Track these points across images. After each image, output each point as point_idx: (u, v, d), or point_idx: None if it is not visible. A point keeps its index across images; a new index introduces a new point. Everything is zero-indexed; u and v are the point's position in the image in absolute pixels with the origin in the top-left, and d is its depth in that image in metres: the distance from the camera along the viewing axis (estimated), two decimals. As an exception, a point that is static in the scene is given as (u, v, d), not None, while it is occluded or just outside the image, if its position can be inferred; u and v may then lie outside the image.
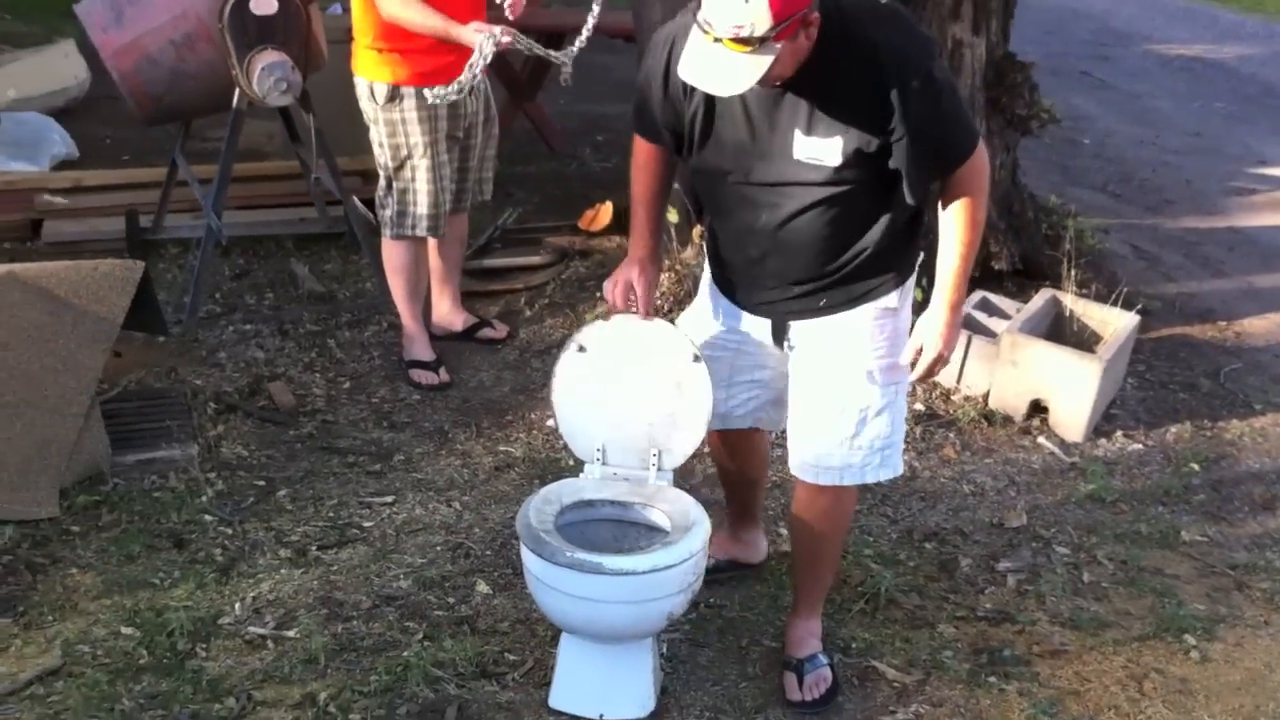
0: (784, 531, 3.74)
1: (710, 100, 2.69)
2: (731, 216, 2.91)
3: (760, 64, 2.46)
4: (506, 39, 4.18)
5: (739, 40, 2.42)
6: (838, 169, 2.66)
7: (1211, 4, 15.11)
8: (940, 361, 2.82)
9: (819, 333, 2.92)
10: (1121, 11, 14.20)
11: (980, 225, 2.77)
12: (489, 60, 4.21)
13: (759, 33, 2.41)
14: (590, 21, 4.33)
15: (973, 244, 2.76)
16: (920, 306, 2.90)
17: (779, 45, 2.45)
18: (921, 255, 2.99)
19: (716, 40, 2.45)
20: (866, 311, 2.89)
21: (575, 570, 2.78)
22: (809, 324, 2.94)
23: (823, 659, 3.14)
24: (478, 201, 4.86)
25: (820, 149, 2.65)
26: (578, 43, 4.33)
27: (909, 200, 2.74)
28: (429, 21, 4.26)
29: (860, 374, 2.91)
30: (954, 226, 2.75)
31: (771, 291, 2.95)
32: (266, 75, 4.68)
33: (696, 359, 3.08)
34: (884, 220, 2.79)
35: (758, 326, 3.03)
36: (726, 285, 3.06)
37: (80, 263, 4.00)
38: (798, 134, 2.66)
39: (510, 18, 4.29)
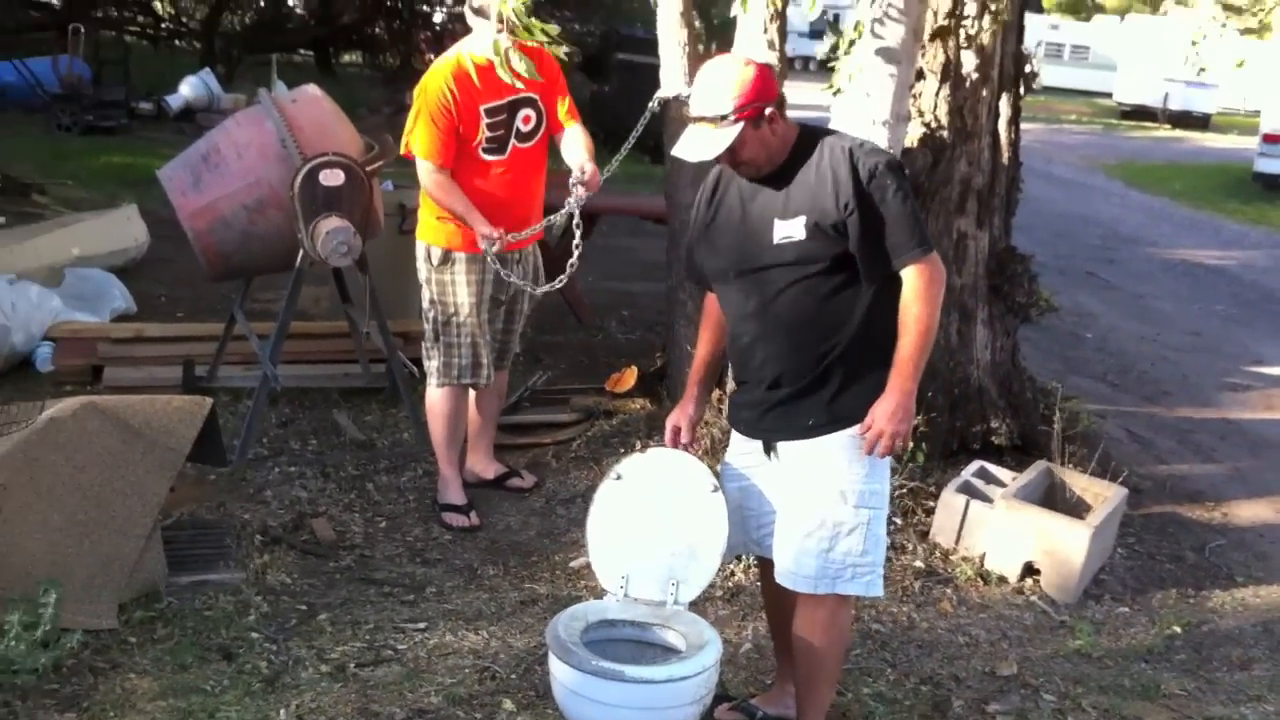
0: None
1: (714, 206, 3.39)
2: (729, 308, 3.43)
3: (725, 136, 3.17)
4: (499, 245, 4.64)
5: (708, 119, 3.18)
6: (802, 242, 3.17)
7: (1217, 214, 15.76)
8: (890, 436, 3.16)
9: (803, 453, 3.30)
10: (1129, 219, 14.85)
11: (927, 330, 3.17)
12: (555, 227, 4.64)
13: (722, 112, 3.15)
14: (574, 202, 4.72)
15: (919, 345, 3.16)
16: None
17: (740, 124, 3.15)
18: None
19: (695, 120, 3.22)
20: (843, 437, 3.25)
21: (599, 677, 3.08)
22: (794, 445, 3.31)
23: None
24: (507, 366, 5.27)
25: (790, 228, 3.21)
26: (570, 204, 4.70)
27: (864, 282, 3.18)
28: (453, 205, 4.75)
29: (835, 494, 3.26)
30: (905, 324, 3.17)
31: (766, 393, 3.34)
32: (331, 239, 5.12)
33: (715, 490, 3.44)
34: (856, 318, 3.21)
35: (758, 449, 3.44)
36: (735, 412, 3.48)
37: (155, 396, 4.38)
38: (776, 221, 3.24)
39: (583, 191, 4.70)
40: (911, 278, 3.17)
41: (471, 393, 5.14)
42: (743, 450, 3.50)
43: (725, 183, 3.38)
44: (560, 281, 4.85)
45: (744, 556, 4.64)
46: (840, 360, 3.24)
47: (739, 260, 3.32)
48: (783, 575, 3.34)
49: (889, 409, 3.17)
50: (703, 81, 3.25)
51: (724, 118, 3.16)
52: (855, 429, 3.22)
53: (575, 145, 4.86)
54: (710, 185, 3.43)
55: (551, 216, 4.88)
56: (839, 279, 3.21)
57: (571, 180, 4.70)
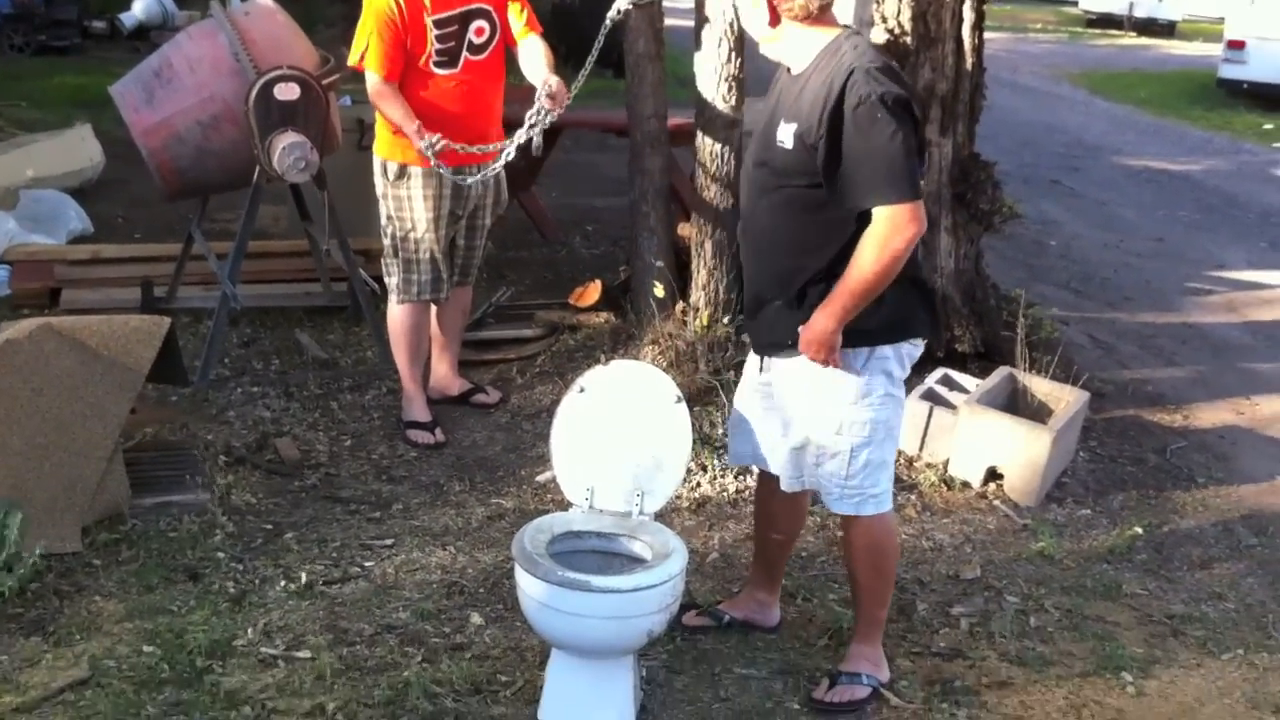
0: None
1: (768, 97, 3.39)
2: (741, 197, 3.47)
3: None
4: (438, 147, 4.50)
5: None
6: (789, 151, 3.15)
7: (1182, 122, 15.75)
8: (808, 353, 3.21)
9: (785, 370, 3.35)
10: (1094, 127, 14.81)
11: (870, 277, 3.08)
12: (510, 156, 4.50)
13: None
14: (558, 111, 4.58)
15: (856, 288, 3.10)
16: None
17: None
18: (911, 347, 3.33)
19: None
20: (835, 373, 3.24)
21: (565, 588, 3.08)
22: (777, 361, 3.35)
23: (865, 679, 3.45)
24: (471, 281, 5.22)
25: (785, 133, 3.18)
26: (535, 120, 4.54)
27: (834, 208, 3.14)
28: (392, 114, 4.67)
29: (815, 418, 3.31)
30: (853, 261, 3.11)
31: (754, 300, 3.38)
32: (287, 154, 5.05)
33: (679, 400, 3.45)
34: (834, 244, 3.16)
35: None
36: (744, 320, 3.55)
37: (112, 317, 4.33)
38: (781, 122, 3.21)
39: (549, 106, 4.46)
40: (875, 221, 3.08)
41: (434, 309, 5.10)
42: (750, 362, 3.54)
43: (779, 75, 3.37)
44: (507, 155, 4.51)
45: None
46: (816, 282, 3.21)
47: (756, 150, 3.36)
48: (784, 483, 3.44)
49: (806, 336, 3.20)
50: None
51: None
52: (844, 358, 3.23)
53: (536, 58, 4.76)
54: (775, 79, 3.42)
55: (519, 135, 4.64)
56: (821, 198, 3.16)
57: (537, 96, 4.57)
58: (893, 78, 3.09)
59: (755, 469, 3.78)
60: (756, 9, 3.25)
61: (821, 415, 3.30)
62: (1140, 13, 29.68)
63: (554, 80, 4.53)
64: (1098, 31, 29.84)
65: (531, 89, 4.62)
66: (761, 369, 3.46)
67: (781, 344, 3.32)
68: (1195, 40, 27.16)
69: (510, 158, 4.49)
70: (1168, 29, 29.69)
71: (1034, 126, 14.08)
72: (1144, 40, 28.10)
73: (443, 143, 4.51)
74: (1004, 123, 13.11)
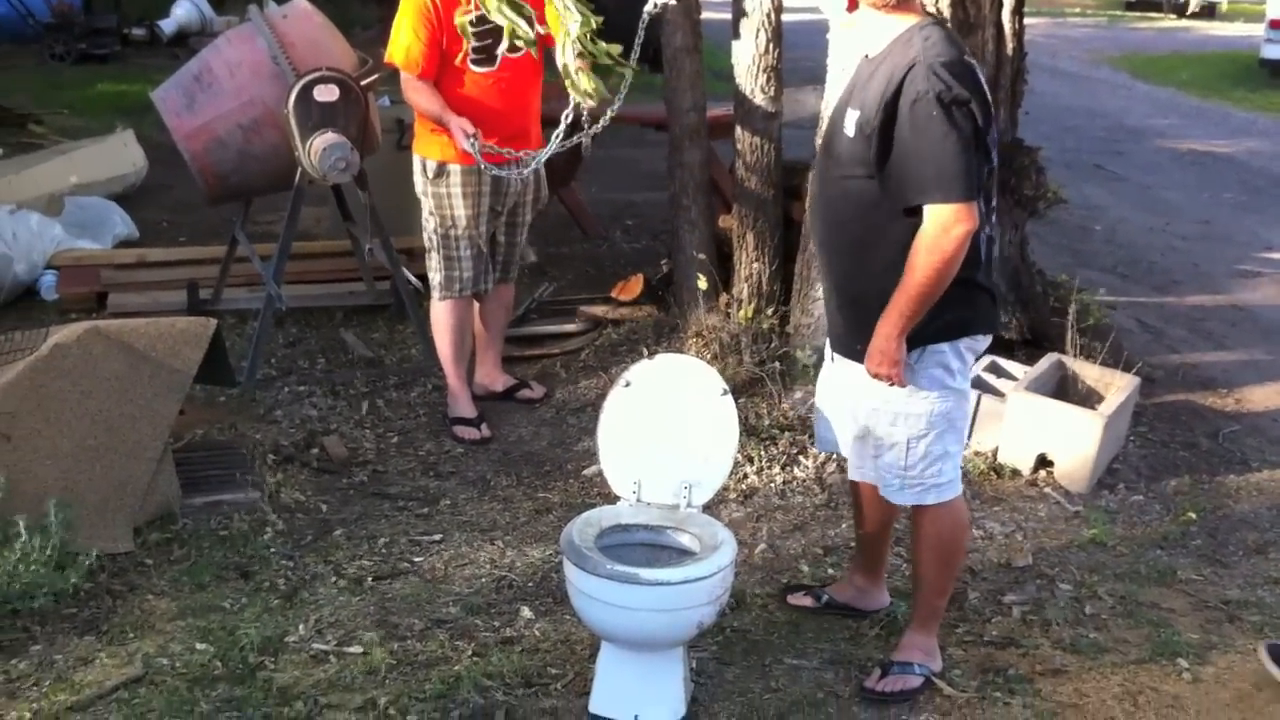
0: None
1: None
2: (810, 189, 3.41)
3: None
4: (476, 143, 4.52)
5: None
6: (851, 139, 3.13)
7: (1224, 103, 15.56)
8: (878, 378, 3.18)
9: (848, 368, 3.36)
10: (1136, 111, 14.67)
11: (924, 283, 3.04)
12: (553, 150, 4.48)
13: None
14: (612, 109, 4.57)
15: (912, 294, 3.06)
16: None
17: None
18: (971, 341, 3.30)
19: None
20: None
21: (614, 581, 3.07)
22: (846, 361, 3.37)
23: (917, 669, 3.43)
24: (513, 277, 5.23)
25: (849, 119, 3.17)
26: (593, 127, 4.56)
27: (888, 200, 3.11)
28: (429, 107, 4.69)
29: (871, 411, 3.31)
30: (907, 267, 3.07)
31: (827, 294, 3.41)
32: (328, 155, 5.07)
33: (724, 393, 3.43)
34: (895, 240, 3.10)
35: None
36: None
37: (159, 319, 4.36)
38: (848, 107, 3.20)
39: (585, 109, 4.37)
40: (925, 222, 3.04)
41: (476, 306, 5.11)
42: (827, 350, 3.55)
43: (859, 60, 3.32)
44: (550, 152, 4.53)
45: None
46: (878, 280, 3.17)
47: (825, 136, 3.34)
48: (850, 472, 3.49)
49: (870, 352, 3.17)
50: None
51: None
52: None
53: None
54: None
55: (558, 134, 4.59)
56: (879, 195, 3.14)
57: (572, 105, 4.54)
58: (957, 74, 3.02)
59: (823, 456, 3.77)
60: None
61: (878, 407, 3.29)
62: (1181, -6, 29.39)
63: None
64: (1137, 14, 29.55)
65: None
66: (832, 358, 3.46)
67: (846, 345, 3.33)
68: (1236, 21, 26.85)
69: (552, 152, 4.48)
70: (1208, 10, 29.36)
71: (1075, 111, 13.95)
72: (1184, 22, 27.81)
73: (482, 142, 4.53)
74: (1045, 108, 12.99)
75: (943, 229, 3.02)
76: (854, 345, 3.28)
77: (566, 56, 4.04)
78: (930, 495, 3.34)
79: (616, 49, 4.08)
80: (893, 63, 3.10)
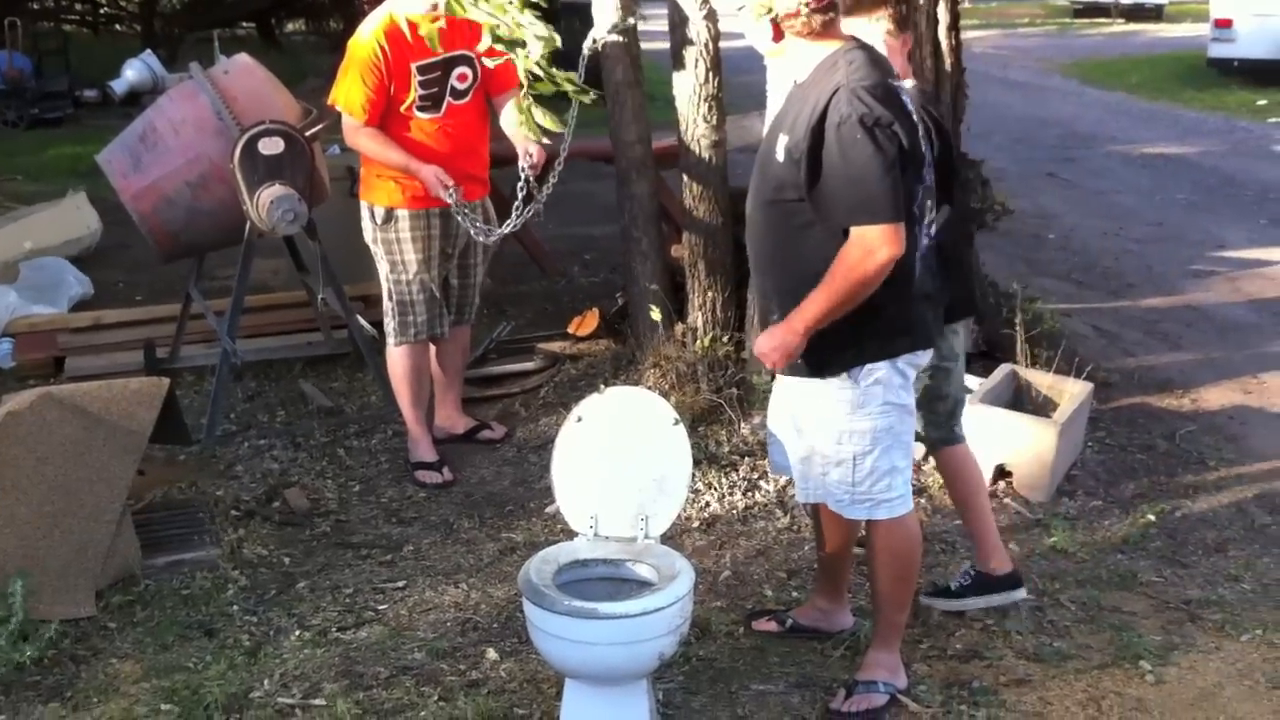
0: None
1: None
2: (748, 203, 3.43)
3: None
4: (450, 197, 4.62)
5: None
6: (780, 164, 3.17)
7: (1174, 104, 15.75)
8: (769, 362, 3.26)
9: (790, 384, 3.39)
10: (1087, 117, 14.82)
11: (837, 294, 3.11)
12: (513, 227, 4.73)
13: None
14: (559, 164, 4.68)
15: (824, 301, 3.12)
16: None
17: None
18: (912, 357, 3.33)
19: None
20: (821, 383, 3.28)
21: (573, 617, 3.08)
22: (790, 381, 3.40)
23: (882, 687, 3.45)
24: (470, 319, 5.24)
25: (780, 144, 3.21)
26: (547, 185, 4.68)
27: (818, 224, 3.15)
28: (392, 157, 4.72)
29: (818, 430, 3.33)
30: (826, 275, 3.12)
31: (761, 311, 3.46)
32: (276, 207, 5.08)
33: (676, 423, 3.45)
34: (824, 262, 3.13)
35: None
36: None
37: (111, 381, 4.36)
38: (779, 132, 3.24)
39: (532, 175, 4.64)
40: (850, 241, 3.09)
41: (434, 349, 5.12)
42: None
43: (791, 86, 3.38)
44: (512, 226, 4.77)
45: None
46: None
47: (758, 160, 3.36)
48: (797, 494, 3.52)
49: (770, 338, 3.23)
50: None
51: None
52: (839, 379, 3.25)
53: (514, 119, 4.77)
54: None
55: (516, 211, 4.71)
56: (810, 214, 3.18)
57: (520, 165, 4.64)
58: (880, 97, 3.08)
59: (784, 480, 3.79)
60: (760, 25, 3.27)
61: (822, 425, 3.32)
62: (1127, -2, 29.76)
63: (534, 147, 4.58)
64: (1085, 21, 29.90)
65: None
66: (777, 378, 3.49)
67: (789, 365, 3.34)
68: (1183, 22, 27.17)
69: (512, 228, 4.63)
70: (1155, 13, 29.74)
71: (1027, 121, 14.09)
72: (1132, 26, 28.15)
73: (454, 190, 4.61)
74: (998, 118, 13.13)
75: (866, 251, 3.07)
76: (795, 362, 3.30)
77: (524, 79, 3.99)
78: (881, 510, 3.36)
79: (573, 75, 4.09)
80: (819, 88, 3.15)
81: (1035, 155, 12.00)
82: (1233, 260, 8.15)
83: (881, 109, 3.05)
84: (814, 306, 3.14)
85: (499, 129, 4.97)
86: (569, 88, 3.87)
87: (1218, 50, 17.31)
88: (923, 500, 4.64)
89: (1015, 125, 13.55)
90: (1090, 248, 8.47)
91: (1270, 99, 15.21)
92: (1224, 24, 17.05)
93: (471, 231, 4.75)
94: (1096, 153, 12.37)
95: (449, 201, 4.64)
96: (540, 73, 3.60)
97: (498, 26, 3.53)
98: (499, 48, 3.52)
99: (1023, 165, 11.25)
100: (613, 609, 3.10)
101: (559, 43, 3.60)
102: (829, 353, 3.25)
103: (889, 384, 3.28)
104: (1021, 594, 3.95)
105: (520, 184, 4.61)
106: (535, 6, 3.65)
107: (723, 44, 5.26)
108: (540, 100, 4.15)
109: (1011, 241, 8.12)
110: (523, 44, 3.50)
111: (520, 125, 3.78)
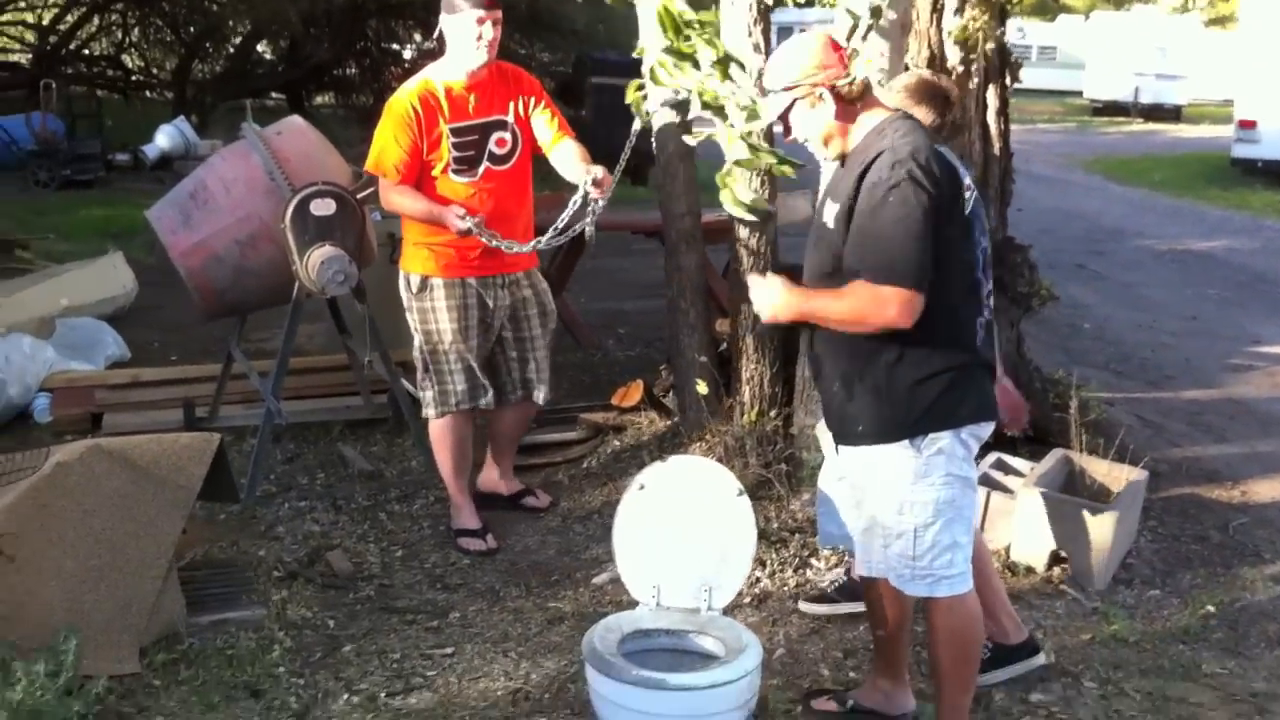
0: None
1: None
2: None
3: (774, 106, 3.30)
4: (469, 225, 4.57)
5: (768, 89, 3.33)
6: (833, 230, 3.19)
7: (1199, 202, 15.81)
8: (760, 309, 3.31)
9: (853, 455, 3.33)
10: (1112, 211, 14.88)
11: (837, 318, 3.17)
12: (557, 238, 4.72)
13: (773, 85, 3.30)
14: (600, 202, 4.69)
15: (822, 313, 3.21)
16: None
17: (788, 97, 3.25)
18: (975, 428, 3.29)
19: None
20: (886, 450, 3.23)
21: (640, 687, 3.01)
22: (851, 451, 3.31)
23: None
24: (548, 397, 5.13)
25: (829, 212, 3.25)
26: (593, 212, 4.68)
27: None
28: (416, 207, 4.72)
29: (880, 500, 3.27)
30: (834, 294, 3.16)
31: (822, 385, 3.39)
32: (326, 268, 5.06)
33: (740, 494, 3.40)
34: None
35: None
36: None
37: (162, 435, 4.31)
38: (829, 200, 3.28)
39: (596, 194, 4.62)
40: (864, 287, 3.09)
41: (499, 416, 5.07)
42: (828, 444, 3.56)
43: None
44: (565, 234, 4.76)
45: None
46: (875, 359, 3.20)
47: (812, 232, 3.39)
48: (857, 567, 3.46)
49: (773, 295, 3.25)
50: (774, 54, 3.37)
51: (775, 90, 3.27)
52: (899, 445, 3.20)
53: (571, 158, 4.78)
54: None
55: (563, 220, 4.76)
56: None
57: (582, 186, 4.63)
58: (921, 163, 3.08)
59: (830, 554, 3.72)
60: (773, 99, 3.31)
61: (884, 496, 3.26)
62: (1146, 98, 30.08)
63: (597, 169, 4.59)
64: (1105, 119, 30.16)
65: (558, 196, 4.66)
66: (837, 450, 3.42)
67: (847, 432, 3.30)
68: (1202, 123, 27.43)
69: (558, 240, 4.59)
70: (1174, 113, 30.03)
71: (1052, 213, 14.12)
72: (1151, 125, 28.39)
73: (477, 219, 4.58)
74: (1023, 210, 13.10)
75: (876, 305, 3.08)
76: (855, 428, 3.27)
77: (730, 153, 3.90)
78: (942, 587, 3.30)
79: (778, 150, 4.04)
80: (866, 154, 3.18)
81: (1063, 247, 12.00)
82: (1269, 355, 8.12)
83: (921, 175, 3.06)
84: (817, 306, 3.20)
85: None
86: (772, 160, 3.83)
87: (1242, 150, 17.46)
88: (977, 583, 4.56)
89: (1041, 217, 13.56)
90: (1125, 339, 8.45)
91: (1295, 200, 15.29)
92: (1248, 125, 17.21)
93: (508, 248, 4.70)
94: (1124, 246, 12.39)
95: (477, 234, 4.59)
96: (745, 145, 3.59)
97: (704, 93, 3.56)
98: (707, 115, 3.54)
99: (1051, 256, 11.18)
100: (682, 680, 3.04)
101: (763, 116, 3.62)
102: (892, 419, 3.21)
103: (951, 454, 3.23)
104: (1040, 660, 3.94)
105: (578, 196, 4.62)
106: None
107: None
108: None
109: (1048, 329, 8.10)
110: (723, 113, 3.51)
111: (725, 200, 3.70)
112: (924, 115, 3.59)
